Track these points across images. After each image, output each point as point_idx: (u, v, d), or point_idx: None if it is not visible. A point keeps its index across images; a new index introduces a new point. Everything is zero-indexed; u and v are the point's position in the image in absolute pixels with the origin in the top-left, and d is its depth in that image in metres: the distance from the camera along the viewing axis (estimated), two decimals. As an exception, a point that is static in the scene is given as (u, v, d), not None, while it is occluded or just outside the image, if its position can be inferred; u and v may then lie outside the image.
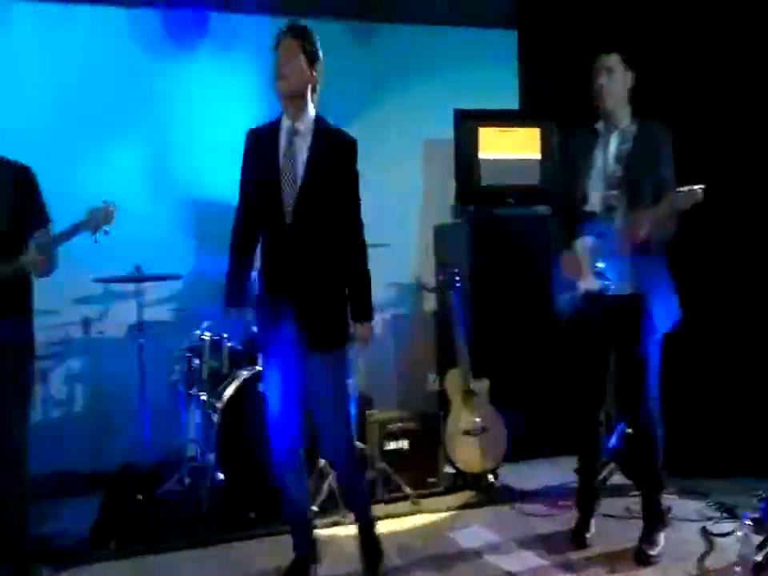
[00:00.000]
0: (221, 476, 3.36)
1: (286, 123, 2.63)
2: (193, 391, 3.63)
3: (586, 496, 3.19)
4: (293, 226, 2.58)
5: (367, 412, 3.87)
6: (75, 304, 4.09)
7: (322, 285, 2.64)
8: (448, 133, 4.41)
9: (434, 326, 4.69)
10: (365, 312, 2.73)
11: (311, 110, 2.64)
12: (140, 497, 3.44)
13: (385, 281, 4.54)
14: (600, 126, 3.02)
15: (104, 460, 3.91)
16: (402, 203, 4.56)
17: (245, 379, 3.45)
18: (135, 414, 3.75)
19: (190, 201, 4.33)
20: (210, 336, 3.66)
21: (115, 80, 4.19)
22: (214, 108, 4.37)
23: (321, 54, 2.64)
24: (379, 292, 4.51)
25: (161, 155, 4.30)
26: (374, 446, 3.68)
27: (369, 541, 2.89)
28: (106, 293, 4.14)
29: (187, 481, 3.53)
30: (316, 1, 4.29)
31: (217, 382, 3.61)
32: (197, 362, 3.64)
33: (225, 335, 3.68)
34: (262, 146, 2.65)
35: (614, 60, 2.95)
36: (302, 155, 2.59)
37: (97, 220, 2.78)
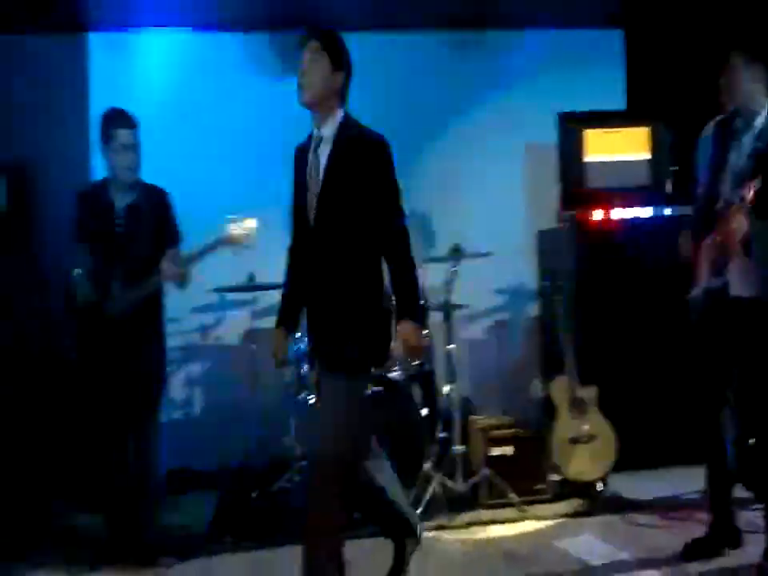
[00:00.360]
0: (328, 476, 3.46)
1: (315, 132, 2.52)
2: (302, 396, 3.78)
3: (721, 501, 3.01)
4: (314, 231, 2.44)
5: (470, 417, 3.88)
6: (193, 312, 4.35)
7: (338, 297, 2.38)
8: (551, 136, 4.37)
9: (537, 332, 4.63)
10: (407, 309, 2.36)
11: (338, 116, 2.48)
12: (254, 494, 3.60)
13: (487, 287, 4.54)
14: (735, 121, 2.91)
15: (220, 459, 4.12)
16: (504, 208, 4.55)
17: (351, 383, 3.54)
18: (249, 416, 3.94)
19: (280, 212, 4.49)
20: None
21: (233, 101, 4.44)
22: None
23: (348, 57, 2.51)
24: (482, 298, 4.55)
25: (272, 170, 4.51)
26: (478, 452, 3.68)
27: None
28: (221, 301, 4.37)
29: (297, 479, 3.67)
30: (414, 15, 4.38)
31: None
32: (305, 367, 3.79)
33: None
34: (300, 159, 2.56)
35: (738, 56, 2.85)
36: (324, 161, 2.46)
37: (237, 234, 3.02)
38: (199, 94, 4.40)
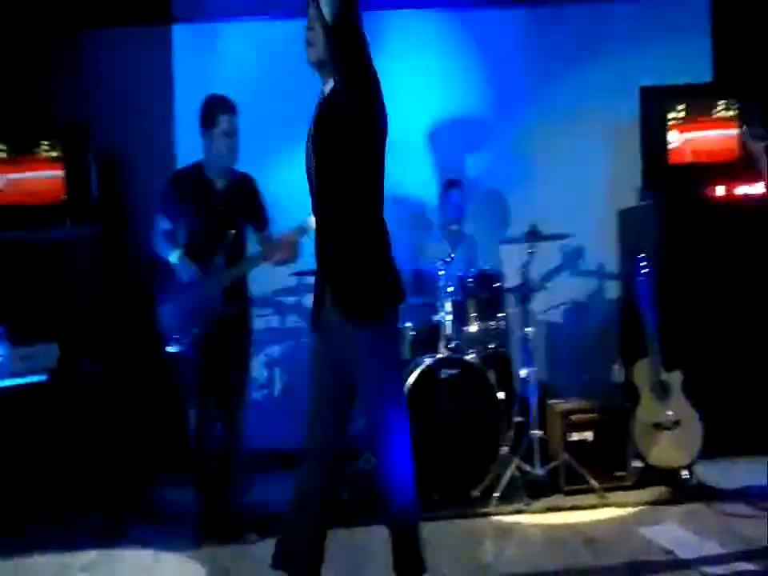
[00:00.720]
0: (405, 458, 3.49)
1: (321, 91, 2.44)
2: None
3: None
4: (314, 188, 2.39)
5: (549, 401, 3.82)
6: (274, 295, 4.45)
7: (343, 244, 2.33)
8: (634, 111, 4.22)
9: (617, 315, 4.50)
10: None
11: None
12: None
13: (565, 268, 4.45)
14: None
15: (300, 439, 4.20)
16: (583, 187, 4.43)
17: (427, 365, 3.56)
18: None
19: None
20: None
21: (309, 86, 4.48)
22: (396, 105, 4.52)
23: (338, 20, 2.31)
24: (559, 280, 4.46)
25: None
26: (557, 437, 3.63)
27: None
28: (299, 285, 4.45)
29: (373, 461, 3.70)
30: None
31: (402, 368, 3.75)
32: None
33: (408, 324, 3.83)
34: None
35: None
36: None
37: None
38: (280, 82, 4.45)
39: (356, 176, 2.30)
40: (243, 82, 4.40)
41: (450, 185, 4.29)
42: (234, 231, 3.19)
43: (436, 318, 3.74)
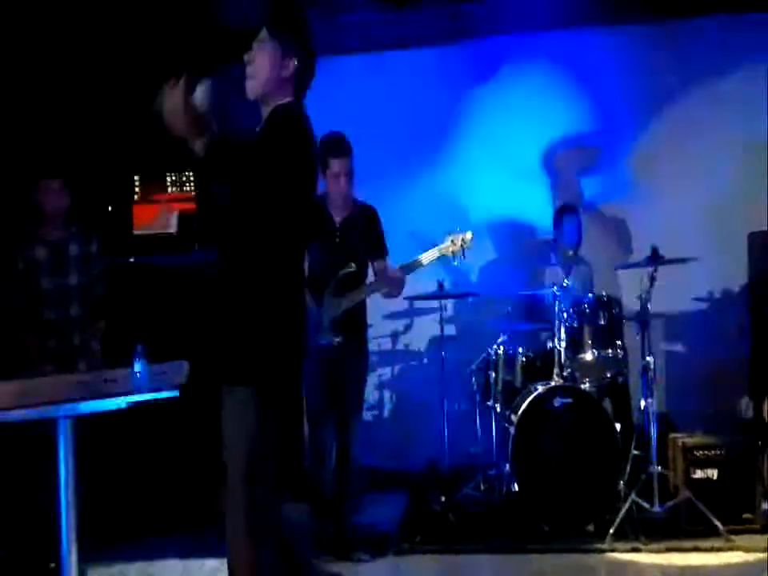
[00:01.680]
0: (515, 486, 3.45)
1: None
2: (489, 403, 3.79)
3: None
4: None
5: (670, 435, 3.64)
6: (385, 319, 4.53)
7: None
8: (765, 127, 4.01)
9: (745, 345, 4.23)
10: None
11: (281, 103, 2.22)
12: (443, 498, 3.68)
13: (688, 294, 4.25)
14: None
15: (408, 460, 4.26)
16: (710, 208, 4.24)
17: (539, 394, 3.50)
18: (436, 421, 4.02)
19: (484, 220, 4.53)
20: (504, 350, 3.80)
21: (425, 114, 4.58)
22: (511, 130, 4.53)
23: (306, 41, 2.25)
24: (682, 306, 4.26)
25: (457, 179, 4.59)
26: (678, 473, 3.45)
27: None
28: (411, 308, 4.51)
29: (483, 487, 3.69)
30: (622, 8, 4.21)
31: (511, 394, 3.72)
32: (492, 374, 3.80)
33: (520, 350, 3.79)
34: None
35: None
36: None
37: (456, 246, 3.15)
38: (401, 111, 4.57)
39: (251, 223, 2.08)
40: (367, 113, 4.57)
41: (564, 210, 4.23)
42: (353, 265, 3.26)
43: (550, 344, 3.68)
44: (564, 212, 4.21)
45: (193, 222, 4.30)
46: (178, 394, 2.84)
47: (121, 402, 2.52)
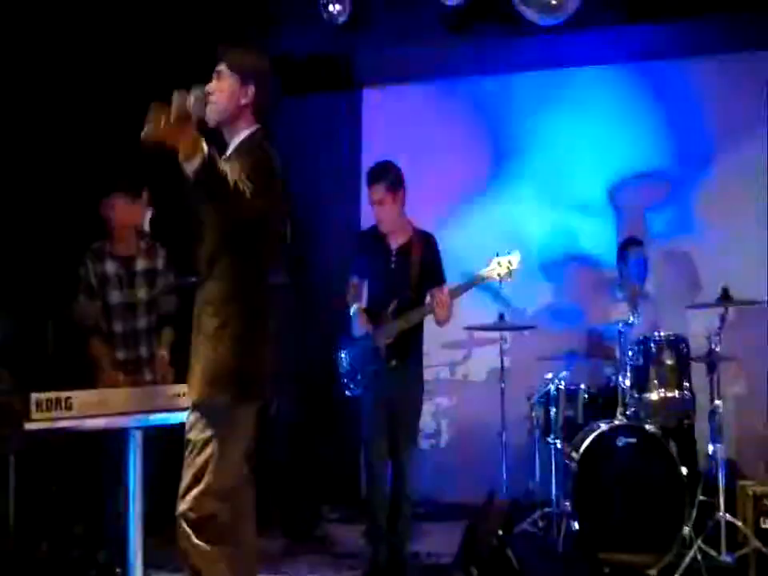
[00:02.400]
0: (575, 525, 3.37)
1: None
2: (549, 438, 3.73)
3: None
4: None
5: (739, 483, 3.51)
6: (443, 348, 4.52)
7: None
8: None
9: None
10: None
11: (246, 132, 2.27)
12: (500, 532, 3.61)
13: (760, 336, 4.13)
14: None
15: (464, 491, 4.20)
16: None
17: (603, 431, 3.43)
18: (494, 453, 3.98)
19: (549, 251, 4.51)
20: (566, 385, 3.75)
21: (488, 143, 4.62)
22: (575, 160, 4.53)
23: (261, 68, 2.29)
24: (755, 348, 4.13)
25: (519, 209, 4.59)
26: (747, 522, 3.32)
27: None
28: (470, 339, 4.50)
29: (541, 524, 3.62)
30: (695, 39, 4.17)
31: (572, 430, 3.66)
32: (553, 409, 3.75)
33: (582, 385, 3.74)
34: None
35: None
36: None
37: (503, 268, 3.16)
38: (463, 138, 4.62)
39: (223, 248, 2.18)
40: (424, 140, 4.63)
41: (630, 243, 4.16)
42: (406, 294, 3.29)
43: (614, 381, 3.61)
44: (629, 246, 4.14)
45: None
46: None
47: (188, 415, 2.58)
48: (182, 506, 2.17)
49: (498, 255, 3.31)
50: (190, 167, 1.92)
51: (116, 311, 3.42)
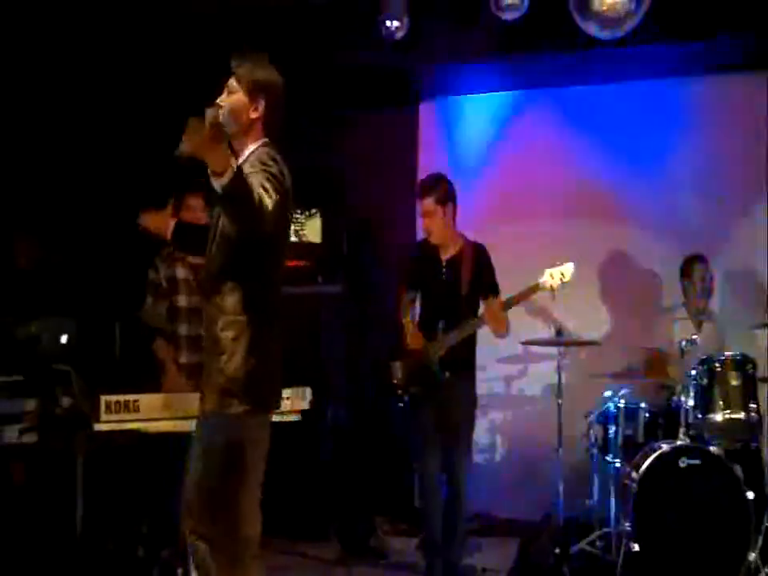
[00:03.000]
0: (635, 547, 3.29)
1: None
2: (608, 457, 3.66)
3: None
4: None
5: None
6: (499, 362, 4.49)
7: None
8: None
9: None
10: None
11: (251, 147, 2.28)
12: (557, 550, 3.56)
13: None
14: None
15: (519, 508, 4.15)
16: None
17: (664, 452, 3.35)
18: (550, 469, 3.92)
19: (610, 266, 4.44)
20: (626, 403, 3.67)
21: (543, 156, 4.59)
22: (639, 173, 4.46)
23: (271, 83, 2.28)
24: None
25: (580, 221, 4.54)
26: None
27: None
28: (526, 353, 4.45)
29: (599, 544, 3.55)
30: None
31: (632, 450, 3.58)
32: (612, 428, 3.67)
33: (642, 404, 3.66)
34: None
35: None
36: None
37: (555, 280, 3.14)
38: (519, 150, 4.62)
39: (239, 264, 2.19)
40: (479, 152, 4.64)
41: (694, 260, 4.07)
42: (459, 304, 3.28)
43: (675, 401, 3.52)
44: (694, 262, 4.04)
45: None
46: (299, 419, 2.95)
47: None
48: (193, 519, 2.18)
49: (551, 266, 3.29)
50: (220, 182, 1.94)
51: (182, 315, 3.51)
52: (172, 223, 2.36)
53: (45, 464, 2.77)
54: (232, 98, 2.24)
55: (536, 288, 3.30)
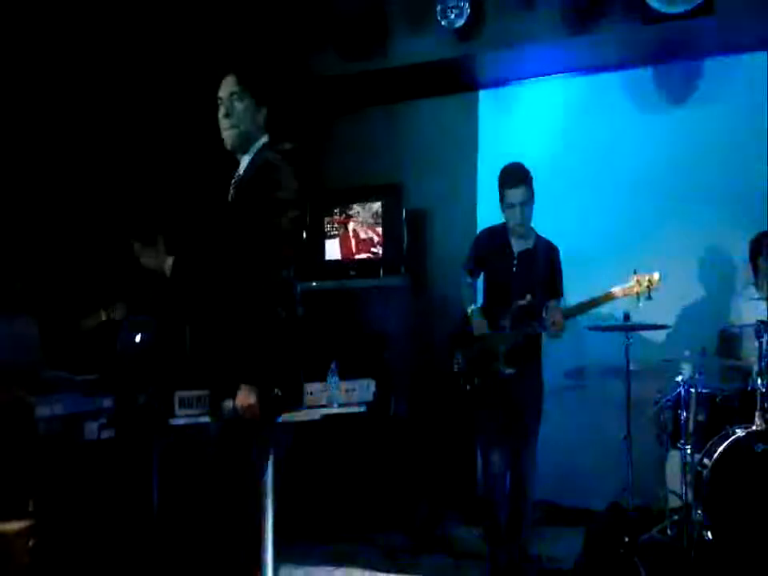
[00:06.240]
0: (709, 535, 3.20)
1: (236, 174, 2.50)
2: (680, 443, 3.57)
3: None
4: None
5: None
6: (566, 348, 4.40)
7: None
8: None
9: None
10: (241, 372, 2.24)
11: (258, 144, 2.42)
12: (627, 539, 3.50)
13: None
14: None
15: (588, 497, 4.10)
16: None
17: (738, 437, 3.25)
18: (619, 457, 3.84)
19: (678, 246, 4.30)
20: (698, 388, 3.57)
21: (609, 139, 4.48)
22: (702, 153, 4.30)
23: (270, 88, 2.44)
24: None
25: (646, 204, 4.41)
26: None
27: None
28: (593, 337, 4.36)
29: (671, 533, 3.47)
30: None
31: (705, 436, 3.49)
32: (684, 413, 3.58)
33: (715, 389, 3.55)
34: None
35: None
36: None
37: (642, 286, 3.09)
38: (583, 137, 4.51)
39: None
40: (543, 140, 4.56)
41: (763, 238, 3.89)
42: (528, 296, 3.25)
43: (750, 385, 3.40)
44: (763, 240, 3.88)
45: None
46: (365, 410, 3.01)
47: (316, 414, 2.72)
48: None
49: (636, 272, 3.22)
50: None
51: None
52: (169, 260, 2.43)
53: (123, 459, 2.92)
54: (240, 105, 2.35)
55: (607, 297, 3.26)
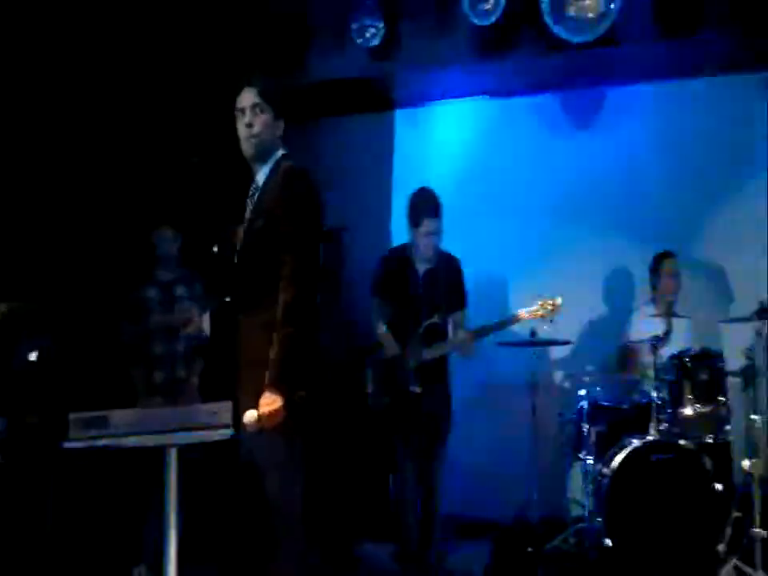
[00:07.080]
0: (608, 542, 3.34)
1: (254, 183, 2.58)
2: (581, 454, 3.71)
3: None
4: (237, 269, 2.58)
5: (776, 499, 3.44)
6: (474, 363, 4.51)
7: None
8: None
9: None
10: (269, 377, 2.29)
11: (275, 156, 2.52)
12: (530, 549, 3.61)
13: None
14: None
15: (494, 510, 4.19)
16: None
17: (636, 447, 3.40)
18: (525, 469, 3.96)
19: (577, 266, 4.48)
20: (598, 401, 3.73)
21: (517, 161, 4.64)
22: (605, 176, 4.51)
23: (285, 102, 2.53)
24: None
25: (547, 225, 4.58)
26: (786, 540, 3.25)
27: None
28: (500, 353, 4.49)
29: (572, 541, 3.59)
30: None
31: (605, 446, 3.63)
32: (585, 425, 3.72)
33: (614, 401, 3.72)
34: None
35: None
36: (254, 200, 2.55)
37: (545, 310, 3.20)
38: (492, 158, 4.65)
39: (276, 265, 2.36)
40: (455, 160, 4.67)
41: (663, 256, 4.12)
42: (436, 315, 3.33)
43: (647, 397, 3.58)
44: (663, 259, 4.10)
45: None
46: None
47: (225, 432, 2.66)
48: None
49: (541, 297, 3.37)
50: None
51: (156, 334, 3.55)
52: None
53: (14, 484, 2.78)
54: (260, 117, 2.43)
55: (514, 320, 3.39)
